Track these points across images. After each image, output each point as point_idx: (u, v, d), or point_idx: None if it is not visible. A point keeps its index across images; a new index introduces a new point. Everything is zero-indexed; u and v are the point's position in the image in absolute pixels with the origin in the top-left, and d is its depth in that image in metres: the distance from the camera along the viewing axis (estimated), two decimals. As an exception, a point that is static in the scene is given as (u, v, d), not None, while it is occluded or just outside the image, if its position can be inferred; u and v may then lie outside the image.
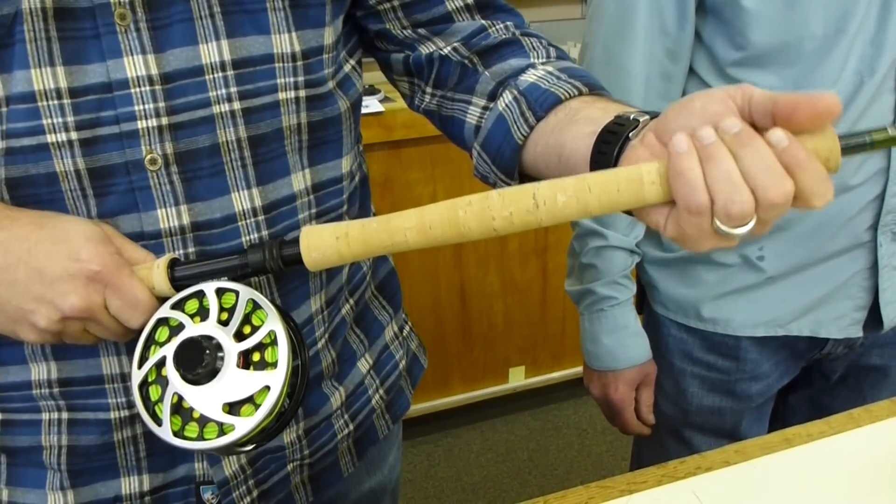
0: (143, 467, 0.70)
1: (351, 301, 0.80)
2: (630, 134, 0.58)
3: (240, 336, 0.57)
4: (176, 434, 0.56)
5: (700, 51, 0.97)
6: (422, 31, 0.75)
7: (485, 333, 2.33)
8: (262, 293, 0.68)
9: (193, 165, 0.64)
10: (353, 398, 0.81)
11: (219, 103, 0.63)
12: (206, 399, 0.56)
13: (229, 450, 0.57)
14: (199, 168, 0.64)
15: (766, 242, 1.00)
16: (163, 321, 0.58)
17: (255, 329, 0.57)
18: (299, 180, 0.69)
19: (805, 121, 0.49)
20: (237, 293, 0.58)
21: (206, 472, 0.72)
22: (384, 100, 2.08)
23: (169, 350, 0.57)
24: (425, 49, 0.76)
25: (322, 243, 0.58)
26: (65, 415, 0.68)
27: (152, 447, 0.70)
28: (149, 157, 0.62)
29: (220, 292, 0.59)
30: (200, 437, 0.56)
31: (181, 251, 0.65)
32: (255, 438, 0.57)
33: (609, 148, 0.59)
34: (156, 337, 0.58)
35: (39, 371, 0.67)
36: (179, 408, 0.56)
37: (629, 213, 0.56)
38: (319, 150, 0.71)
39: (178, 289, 0.60)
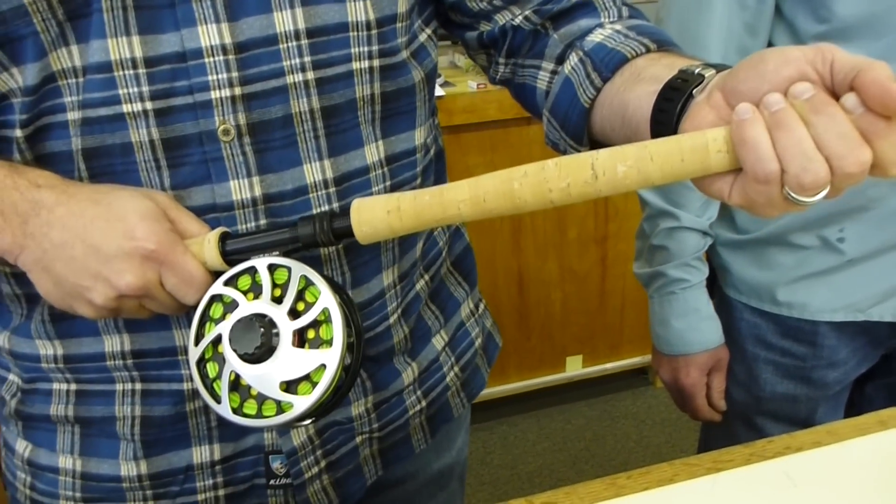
0: (213, 437, 0.71)
1: (426, 276, 0.79)
2: (694, 91, 0.55)
3: (294, 314, 0.57)
4: (235, 411, 0.57)
5: (780, 24, 0.94)
6: (496, 1, 0.74)
7: (542, 321, 2.31)
8: (333, 266, 0.69)
9: (266, 136, 0.63)
10: (427, 374, 0.80)
11: (292, 73, 0.63)
12: (262, 378, 0.56)
13: (288, 425, 0.57)
14: (272, 139, 0.64)
15: (847, 224, 0.97)
16: (216, 298, 0.58)
17: (308, 306, 0.57)
18: (372, 152, 0.69)
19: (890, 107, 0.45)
20: (289, 269, 0.58)
21: (274, 442, 0.72)
22: (444, 84, 2.07)
23: (224, 328, 0.56)
24: (500, 19, 0.74)
25: (373, 217, 0.57)
26: (138, 386, 0.69)
27: (223, 418, 0.70)
28: (222, 127, 0.62)
29: (272, 268, 0.58)
30: (259, 415, 0.56)
31: (252, 223, 0.64)
32: (314, 413, 0.57)
33: (671, 105, 0.56)
34: (210, 314, 0.58)
35: (113, 343, 0.67)
36: (237, 385, 0.57)
37: None
38: (393, 122, 0.70)
39: (229, 263, 0.60)
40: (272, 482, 0.73)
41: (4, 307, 0.71)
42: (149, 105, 0.60)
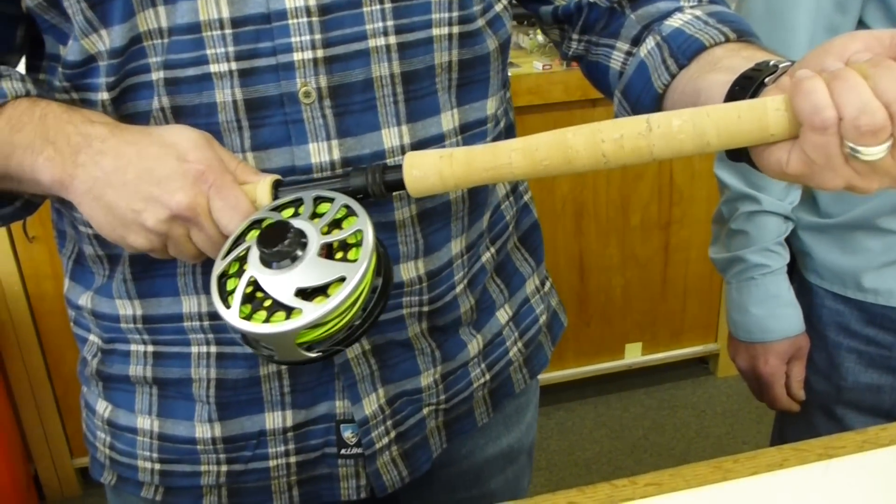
0: (286, 403, 0.71)
1: (492, 249, 0.78)
2: (766, 80, 0.55)
3: (327, 234, 0.55)
4: (243, 319, 0.53)
5: (872, 1, 0.90)
6: None
7: (602, 307, 2.28)
8: (407, 233, 0.68)
9: (346, 100, 0.63)
10: (491, 348, 0.80)
11: (375, 37, 0.63)
12: (279, 283, 0.53)
13: (291, 348, 0.54)
14: (352, 102, 0.63)
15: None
16: (257, 223, 0.57)
17: (343, 230, 0.56)
18: (448, 120, 0.68)
19: None
20: (333, 199, 0.57)
21: (346, 411, 0.72)
22: (509, 65, 2.04)
23: (256, 240, 0.55)
24: None
25: (424, 162, 0.57)
26: (213, 348, 0.69)
27: (296, 383, 0.70)
28: (303, 89, 0.62)
29: (317, 200, 0.58)
30: (266, 321, 0.53)
31: None
32: (323, 343, 0.54)
33: (742, 94, 0.56)
34: (245, 237, 0.57)
35: (191, 304, 0.68)
36: (252, 297, 0.54)
37: (748, 161, 0.52)
38: (467, 90, 0.70)
39: None
40: (343, 451, 0.73)
41: (87, 268, 0.72)
42: (233, 65, 0.61)
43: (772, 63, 0.56)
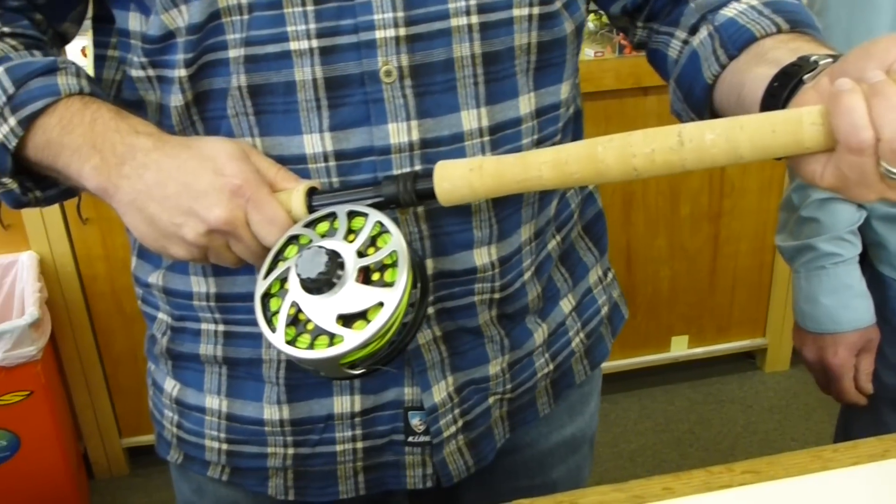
0: (355, 388, 0.70)
1: (557, 237, 0.77)
2: (805, 77, 0.54)
3: (363, 255, 0.56)
4: (288, 343, 0.56)
5: None
6: None
7: (649, 299, 2.25)
8: (482, 218, 0.67)
9: (427, 80, 0.62)
10: (555, 337, 0.79)
11: (457, 16, 0.62)
12: (321, 309, 0.55)
13: (335, 368, 0.56)
14: (433, 83, 0.63)
15: None
16: (293, 239, 0.59)
17: (379, 250, 0.57)
18: (525, 103, 0.67)
19: None
20: (367, 215, 0.58)
21: (415, 398, 0.71)
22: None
23: (294, 262, 0.57)
24: None
25: (454, 174, 0.57)
26: None
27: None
28: (384, 68, 0.61)
29: (351, 215, 0.58)
30: (311, 348, 0.55)
31: (408, 168, 0.63)
32: (366, 361, 0.56)
33: (780, 90, 0.55)
34: (284, 254, 0.59)
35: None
36: (296, 320, 0.56)
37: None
38: (544, 73, 0.69)
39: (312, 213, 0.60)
40: (410, 439, 0.73)
41: None
42: (315, 43, 0.60)
43: (812, 59, 0.55)
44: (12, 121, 0.61)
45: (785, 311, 2.31)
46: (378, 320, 0.54)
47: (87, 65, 0.69)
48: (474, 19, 0.62)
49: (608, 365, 2.29)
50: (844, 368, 0.99)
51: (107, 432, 2.04)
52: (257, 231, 0.59)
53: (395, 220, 0.59)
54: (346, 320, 0.55)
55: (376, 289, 0.55)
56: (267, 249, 0.59)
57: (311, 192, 0.60)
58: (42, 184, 0.66)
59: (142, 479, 2.08)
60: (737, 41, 0.64)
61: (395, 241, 0.56)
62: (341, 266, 0.55)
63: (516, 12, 0.64)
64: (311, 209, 0.60)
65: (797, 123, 0.49)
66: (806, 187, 0.99)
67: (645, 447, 2.15)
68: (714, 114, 0.68)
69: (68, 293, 1.88)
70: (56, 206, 1.80)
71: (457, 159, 0.59)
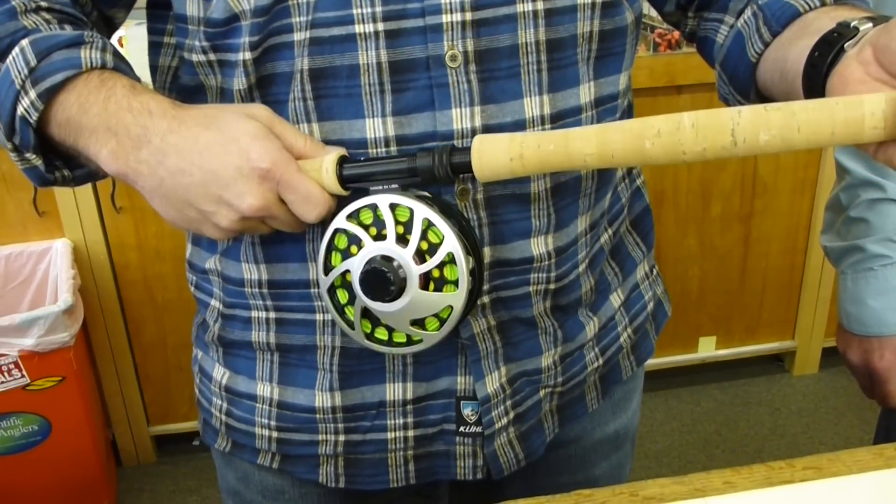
0: (408, 374, 0.70)
1: (609, 231, 0.77)
2: (846, 44, 0.53)
3: (419, 255, 0.57)
4: (367, 336, 0.60)
5: None
6: None
7: (677, 298, 2.23)
8: (540, 206, 0.67)
9: (492, 65, 0.62)
10: (605, 332, 0.78)
11: (523, 2, 0.61)
12: (392, 315, 0.59)
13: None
14: (497, 69, 0.62)
15: None
16: (340, 231, 0.59)
17: (432, 246, 0.57)
18: (586, 92, 0.67)
19: None
20: (411, 210, 0.58)
21: (468, 387, 0.71)
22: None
23: (352, 265, 0.58)
24: None
25: (495, 161, 0.56)
26: None
27: (419, 355, 0.69)
28: (450, 53, 0.61)
29: (393, 207, 0.58)
30: (391, 342, 0.61)
31: None
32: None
33: (821, 60, 0.54)
34: (335, 244, 0.59)
35: (318, 271, 0.67)
36: (368, 313, 0.59)
37: None
38: (604, 63, 0.68)
39: (346, 188, 0.60)
40: (462, 429, 0.72)
41: None
42: (381, 26, 0.60)
43: (852, 24, 0.54)
44: (32, 94, 0.59)
45: (815, 313, 2.29)
46: (451, 320, 0.59)
47: (125, 55, 0.68)
48: (539, 5, 0.62)
49: (634, 364, 2.29)
50: (891, 372, 0.98)
51: (135, 420, 2.05)
52: (295, 210, 0.59)
53: (445, 209, 0.59)
54: (419, 321, 0.59)
55: (442, 295, 0.58)
56: (304, 222, 0.60)
57: (342, 161, 0.60)
58: (71, 162, 0.65)
59: (169, 466, 2.10)
60: (780, 17, 0.64)
61: (448, 242, 0.57)
62: (401, 271, 0.57)
63: (580, 0, 0.64)
64: (342, 179, 0.60)
65: (859, 126, 0.48)
66: (855, 187, 0.97)
67: (671, 448, 2.13)
68: (759, 93, 0.67)
69: (100, 281, 1.89)
70: (90, 195, 1.81)
71: (494, 136, 0.58)
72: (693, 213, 2.16)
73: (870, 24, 0.54)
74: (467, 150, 0.58)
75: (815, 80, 0.56)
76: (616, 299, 0.80)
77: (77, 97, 0.60)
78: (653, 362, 2.28)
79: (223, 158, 0.57)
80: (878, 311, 0.97)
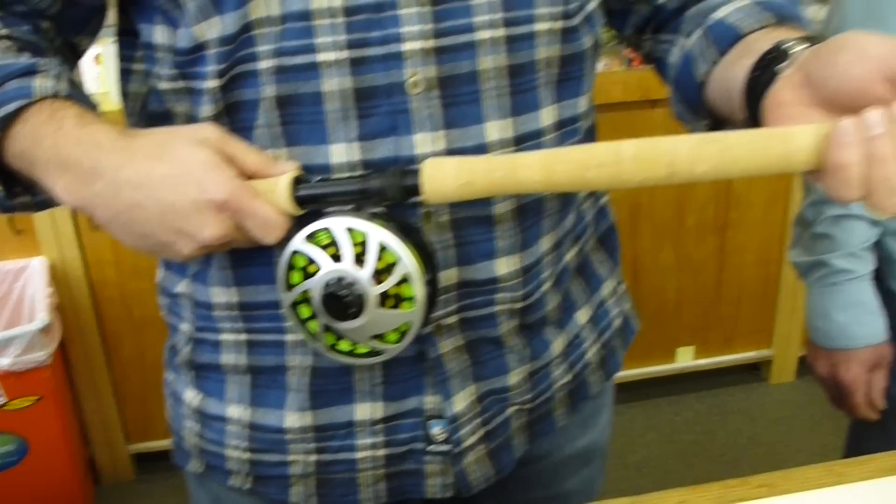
0: (377, 394, 0.71)
1: (574, 249, 0.78)
2: (778, 67, 0.56)
3: (377, 276, 0.59)
4: (331, 349, 0.62)
5: None
6: None
7: (654, 309, 2.25)
8: (505, 228, 0.68)
9: (454, 91, 0.63)
10: (572, 348, 0.79)
11: (482, 29, 0.63)
12: (353, 330, 0.61)
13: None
14: (459, 94, 0.63)
15: None
16: (299, 252, 0.60)
17: (388, 266, 0.59)
18: (547, 115, 0.68)
19: None
20: (366, 234, 0.59)
21: (436, 406, 0.72)
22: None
23: (312, 285, 0.60)
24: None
25: (444, 187, 0.58)
26: None
27: (388, 374, 0.70)
28: (412, 79, 0.62)
29: (349, 230, 0.59)
30: (353, 353, 0.62)
31: None
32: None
33: (755, 83, 0.58)
34: (294, 264, 0.60)
35: (278, 287, 0.68)
36: (330, 328, 0.61)
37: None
38: (565, 86, 0.70)
39: (302, 206, 0.61)
40: (431, 448, 0.73)
41: None
42: (344, 54, 0.61)
43: (783, 47, 0.57)
44: None
45: (791, 322, 2.32)
46: (410, 334, 0.61)
47: (100, 72, 0.68)
48: (500, 32, 0.63)
49: (615, 376, 2.29)
50: (857, 384, 1.00)
51: (113, 438, 2.04)
52: (254, 236, 0.60)
53: (401, 226, 0.60)
54: (379, 336, 0.61)
55: (400, 312, 0.60)
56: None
57: (297, 182, 0.61)
58: (32, 189, 0.64)
59: (148, 484, 2.09)
60: (724, 39, 0.65)
61: (403, 264, 0.58)
62: (359, 292, 0.59)
63: (540, 26, 0.65)
64: (297, 200, 0.60)
65: (787, 161, 0.51)
66: (820, 203, 0.99)
67: (650, 458, 2.15)
68: (710, 111, 0.69)
69: (77, 299, 1.89)
70: (67, 212, 1.81)
71: (443, 160, 0.59)
72: (669, 225, 2.18)
73: (803, 47, 0.56)
74: (417, 173, 0.59)
75: (754, 101, 0.58)
76: (583, 316, 0.81)
77: (31, 129, 0.60)
78: (631, 373, 2.30)
79: (179, 191, 0.58)
80: (843, 324, 0.99)
